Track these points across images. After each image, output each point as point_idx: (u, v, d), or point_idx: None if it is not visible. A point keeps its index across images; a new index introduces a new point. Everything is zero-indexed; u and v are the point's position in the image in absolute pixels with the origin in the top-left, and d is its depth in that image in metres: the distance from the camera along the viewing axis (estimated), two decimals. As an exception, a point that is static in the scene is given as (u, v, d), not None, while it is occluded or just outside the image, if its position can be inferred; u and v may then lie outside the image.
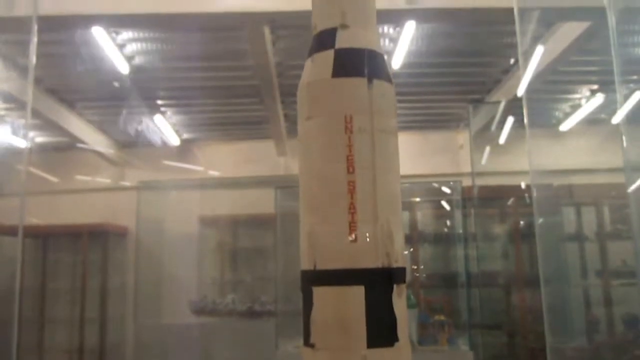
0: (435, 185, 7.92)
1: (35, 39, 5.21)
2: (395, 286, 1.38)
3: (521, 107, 4.86)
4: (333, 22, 1.37)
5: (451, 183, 7.52)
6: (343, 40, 1.36)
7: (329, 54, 1.36)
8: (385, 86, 1.39)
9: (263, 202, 8.83)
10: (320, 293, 1.37)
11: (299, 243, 1.45)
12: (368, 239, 1.34)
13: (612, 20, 4.58)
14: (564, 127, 9.21)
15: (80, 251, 9.75)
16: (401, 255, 1.42)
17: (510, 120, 8.22)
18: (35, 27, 5.17)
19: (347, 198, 1.34)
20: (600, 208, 8.14)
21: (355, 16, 1.37)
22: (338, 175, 1.34)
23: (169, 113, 9.45)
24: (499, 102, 7.93)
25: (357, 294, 1.34)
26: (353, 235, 1.34)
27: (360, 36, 1.37)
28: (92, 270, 9.69)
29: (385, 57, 5.20)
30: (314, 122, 1.38)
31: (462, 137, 9.93)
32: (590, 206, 8.21)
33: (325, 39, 1.37)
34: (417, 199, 8.03)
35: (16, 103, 8.41)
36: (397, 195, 1.43)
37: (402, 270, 1.42)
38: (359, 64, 1.36)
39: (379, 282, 1.36)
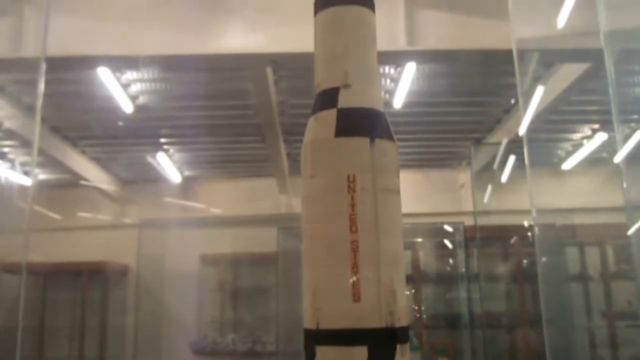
0: (438, 225, 7.88)
1: (42, 82, 5.24)
2: (398, 346, 1.36)
3: (523, 146, 4.87)
4: (336, 82, 1.38)
5: (452, 228, 7.49)
6: (345, 100, 1.37)
7: (332, 113, 1.37)
8: (388, 145, 1.40)
9: (264, 240, 8.81)
10: (323, 352, 1.36)
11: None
12: (371, 299, 1.33)
13: (609, 62, 4.61)
14: (566, 165, 9.22)
15: (80, 289, 9.69)
16: (404, 314, 1.41)
17: (511, 159, 8.23)
18: (43, 69, 5.20)
19: (351, 257, 1.33)
20: (604, 248, 8.09)
21: (357, 75, 1.38)
22: (341, 234, 1.34)
23: (171, 151, 9.49)
24: (499, 143, 7.95)
25: (360, 354, 1.32)
26: (356, 295, 1.33)
27: (362, 95, 1.38)
28: (91, 309, 9.62)
29: (387, 96, 5.24)
30: (316, 181, 1.38)
31: (464, 176, 9.94)
32: (593, 246, 8.16)
33: (328, 98, 1.38)
34: (419, 239, 7.99)
35: (20, 140, 8.47)
36: (400, 253, 1.43)
37: (406, 329, 1.41)
38: (361, 123, 1.37)
39: (382, 342, 1.35)
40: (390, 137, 1.41)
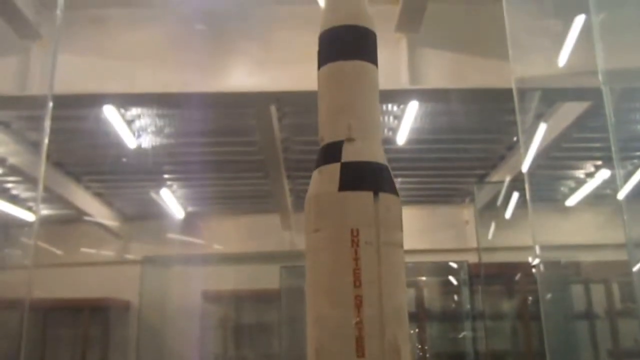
0: (442, 263, 7.83)
1: (49, 120, 5.26)
2: (403, 403, 1.34)
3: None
4: (339, 135, 1.39)
5: (456, 265, 7.44)
6: (349, 154, 1.37)
7: (336, 167, 1.37)
8: (391, 199, 1.39)
9: (267, 277, 8.76)
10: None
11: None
12: (376, 356, 1.31)
13: (608, 101, 4.62)
14: (570, 202, 9.20)
15: (81, 326, 9.59)
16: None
17: (515, 195, 8.22)
18: (49, 107, 5.23)
19: (354, 313, 1.32)
20: (609, 285, 8.02)
21: (361, 129, 1.39)
22: (345, 289, 1.33)
23: (174, 186, 9.51)
24: (502, 182, 7.95)
25: (365, 410, 1.30)
26: (360, 351, 1.31)
27: (365, 149, 1.39)
28: (92, 346, 9.51)
29: (390, 133, 5.24)
30: (320, 234, 1.38)
31: (468, 212, 9.91)
32: (599, 283, 8.08)
33: (331, 152, 1.39)
34: (423, 278, 7.93)
35: (23, 176, 8.49)
36: (404, 307, 1.41)
37: (409, 385, 1.39)
38: (365, 177, 1.37)
39: (386, 399, 1.33)
40: (394, 191, 1.41)
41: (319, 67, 1.46)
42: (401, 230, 1.42)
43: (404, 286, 1.40)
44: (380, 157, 1.40)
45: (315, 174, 1.40)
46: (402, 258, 1.40)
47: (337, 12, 1.45)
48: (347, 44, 1.42)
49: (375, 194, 1.36)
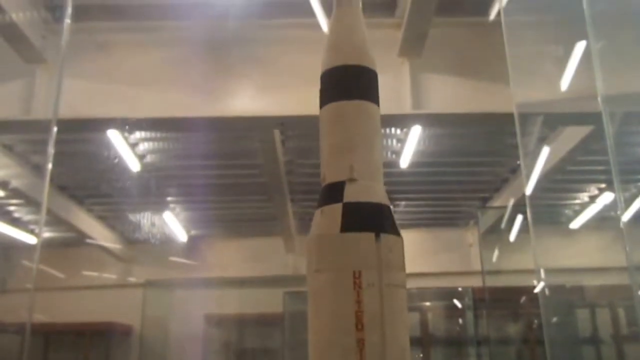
0: (446, 289, 7.77)
1: (52, 144, 5.26)
2: None
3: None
4: (341, 175, 1.37)
5: (461, 289, 7.38)
6: (351, 194, 1.36)
7: (337, 208, 1.36)
8: (393, 240, 1.38)
9: (271, 300, 8.70)
10: None
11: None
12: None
13: (608, 126, 4.60)
14: (574, 224, 9.16)
15: (82, 350, 9.52)
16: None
17: (519, 218, 8.18)
18: (54, 132, 5.23)
19: (357, 356, 1.30)
20: (615, 309, 7.94)
21: (362, 170, 1.38)
22: (347, 332, 1.31)
23: (177, 209, 9.50)
24: (505, 207, 7.92)
25: None
26: (362, 395, 1.29)
27: (367, 190, 1.38)
28: (93, 370, 9.44)
29: (394, 156, 5.22)
30: (322, 275, 1.36)
31: (472, 235, 9.87)
32: (604, 307, 8.00)
33: (333, 192, 1.38)
34: (427, 303, 7.87)
35: (26, 199, 8.49)
36: (407, 349, 1.40)
37: None
38: (366, 218, 1.36)
39: None
40: (395, 231, 1.39)
41: (320, 107, 1.45)
42: (404, 270, 1.40)
43: (407, 327, 1.39)
44: (382, 197, 1.39)
45: (317, 214, 1.39)
46: (405, 298, 1.39)
47: (339, 52, 1.44)
48: (349, 84, 1.42)
49: (377, 235, 1.34)
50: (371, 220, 1.35)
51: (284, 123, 5.98)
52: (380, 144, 1.44)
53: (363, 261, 1.31)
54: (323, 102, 1.44)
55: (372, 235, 1.33)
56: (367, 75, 1.43)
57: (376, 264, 1.32)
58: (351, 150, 1.38)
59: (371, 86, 1.43)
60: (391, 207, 1.40)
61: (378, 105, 1.44)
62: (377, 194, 1.38)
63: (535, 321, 7.95)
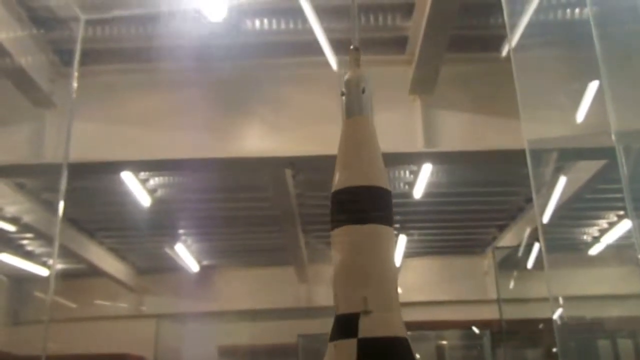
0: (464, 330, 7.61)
1: (64, 186, 5.20)
2: None
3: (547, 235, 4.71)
4: (355, 307, 1.28)
5: (478, 330, 7.23)
6: (366, 329, 1.26)
7: (352, 344, 1.26)
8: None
9: (284, 331, 8.59)
10: None
11: None
12: None
13: (621, 160, 4.47)
14: (593, 251, 8.99)
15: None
16: None
17: (537, 246, 8.02)
18: (65, 176, 5.18)
19: None
20: (637, 340, 7.73)
21: (377, 302, 1.29)
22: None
23: (189, 241, 9.43)
24: (518, 247, 7.79)
25: None
26: None
27: (383, 323, 1.29)
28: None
29: (406, 188, 5.08)
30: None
31: (488, 263, 9.70)
32: (626, 339, 7.80)
33: (347, 325, 1.28)
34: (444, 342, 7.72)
35: (37, 233, 8.47)
36: None
37: None
38: (383, 356, 1.25)
39: None
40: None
41: (332, 228, 1.35)
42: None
43: None
44: (399, 330, 1.29)
45: (330, 347, 1.29)
46: None
47: (350, 172, 1.35)
48: (361, 207, 1.32)
49: (397, 372, 1.25)
50: (386, 358, 1.25)
51: (294, 162, 5.89)
52: (394, 269, 1.34)
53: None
54: (335, 224, 1.35)
55: (389, 379, 1.23)
56: (379, 196, 1.33)
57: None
58: (365, 280, 1.29)
59: (384, 207, 1.34)
60: (408, 338, 1.30)
61: (391, 226, 1.34)
62: (393, 327, 1.28)
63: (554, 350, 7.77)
